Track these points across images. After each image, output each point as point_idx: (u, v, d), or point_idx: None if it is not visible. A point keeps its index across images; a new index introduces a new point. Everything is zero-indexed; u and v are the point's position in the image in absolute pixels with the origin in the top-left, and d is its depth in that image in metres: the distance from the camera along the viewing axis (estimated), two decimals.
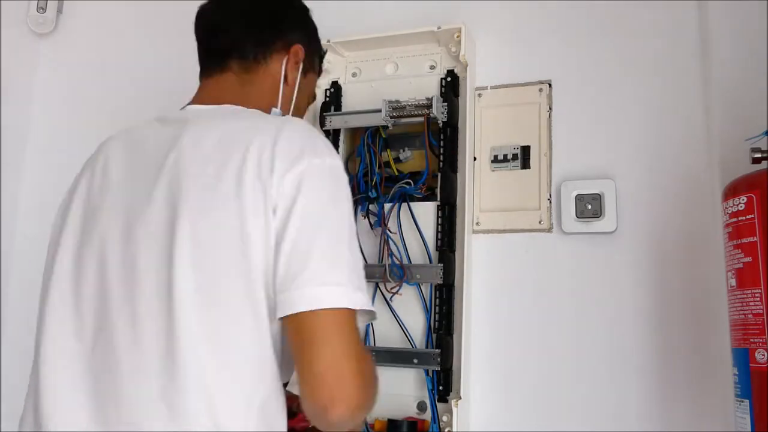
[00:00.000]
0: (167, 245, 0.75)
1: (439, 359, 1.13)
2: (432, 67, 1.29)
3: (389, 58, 1.32)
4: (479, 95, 1.27)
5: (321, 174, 0.77)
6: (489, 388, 1.17)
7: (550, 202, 1.20)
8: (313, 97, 1.08)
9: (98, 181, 0.86)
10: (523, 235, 1.21)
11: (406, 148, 1.28)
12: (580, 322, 1.15)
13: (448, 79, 1.25)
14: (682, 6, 1.17)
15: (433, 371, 1.15)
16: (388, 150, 1.27)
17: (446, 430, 1.11)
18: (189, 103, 0.92)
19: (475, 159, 1.24)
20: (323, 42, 1.30)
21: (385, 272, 1.18)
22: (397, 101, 1.22)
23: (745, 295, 0.90)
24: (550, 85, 1.23)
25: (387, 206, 1.23)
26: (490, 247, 1.22)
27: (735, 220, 0.92)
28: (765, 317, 0.87)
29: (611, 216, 1.15)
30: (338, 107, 1.32)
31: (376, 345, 1.20)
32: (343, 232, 0.77)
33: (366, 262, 1.25)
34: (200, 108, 0.89)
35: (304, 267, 0.72)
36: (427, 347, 1.17)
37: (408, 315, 1.20)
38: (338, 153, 1.29)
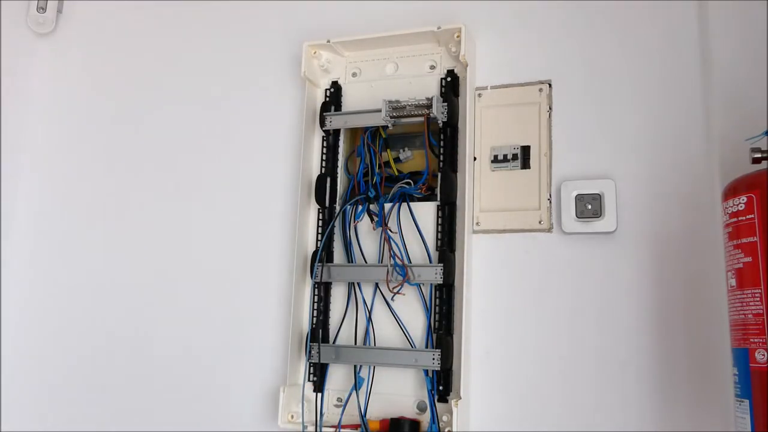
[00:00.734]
0: None
1: (439, 359, 1.13)
2: (432, 67, 1.29)
3: (389, 58, 1.32)
4: (479, 95, 1.27)
5: None
6: (489, 388, 1.17)
7: (550, 202, 1.20)
8: None
9: None
10: (523, 235, 1.21)
11: (406, 148, 1.28)
12: (580, 322, 1.15)
13: (448, 79, 1.25)
14: (682, 6, 1.17)
15: (433, 371, 1.15)
16: (388, 150, 1.27)
17: (446, 430, 1.11)
18: None
19: (475, 159, 1.24)
20: (323, 42, 1.31)
21: (387, 272, 1.18)
22: (397, 101, 1.22)
23: (744, 295, 0.90)
24: (550, 85, 1.23)
25: (387, 206, 1.23)
26: (490, 247, 1.22)
27: (735, 220, 0.92)
28: (765, 317, 0.87)
29: (611, 216, 1.15)
30: (338, 107, 1.32)
31: (377, 345, 1.20)
32: None
33: (366, 262, 1.25)
34: None
35: None
36: (426, 347, 1.17)
37: (408, 315, 1.20)
38: (338, 153, 1.30)
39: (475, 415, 1.16)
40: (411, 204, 1.22)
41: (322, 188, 1.28)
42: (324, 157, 1.30)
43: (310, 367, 1.23)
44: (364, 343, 1.21)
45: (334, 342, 1.24)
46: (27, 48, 1.64)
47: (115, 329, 1.44)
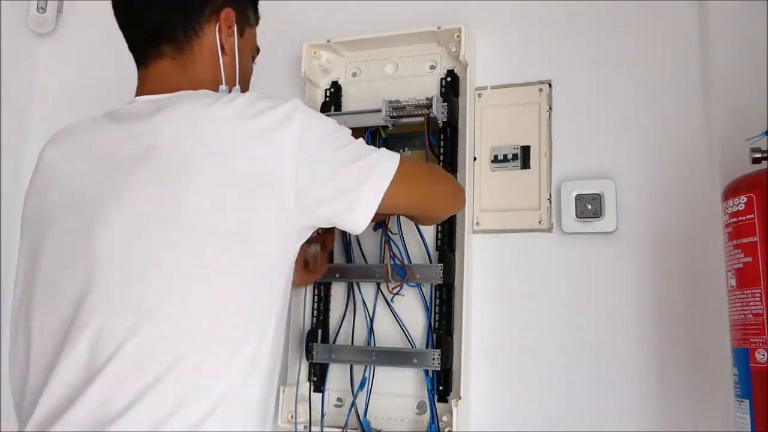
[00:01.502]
0: (171, 235, 0.76)
1: (439, 359, 1.13)
2: (432, 67, 1.29)
3: (389, 58, 1.32)
4: (479, 95, 1.27)
5: (302, 121, 0.82)
6: (489, 388, 1.17)
7: (550, 202, 1.20)
8: (257, 51, 1.05)
9: (47, 188, 0.88)
10: (523, 235, 1.21)
11: (406, 148, 1.28)
12: (580, 322, 1.15)
13: (448, 79, 1.25)
14: (682, 6, 1.17)
15: (433, 371, 1.15)
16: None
17: (446, 430, 1.11)
18: (136, 96, 0.90)
19: (475, 159, 1.24)
20: (323, 42, 1.31)
21: (387, 273, 1.18)
22: (397, 101, 1.21)
23: (745, 295, 0.90)
24: (550, 85, 1.23)
25: None
26: (490, 247, 1.22)
27: (735, 220, 0.92)
28: (765, 317, 0.87)
29: (611, 216, 1.15)
30: (338, 107, 1.32)
31: (376, 345, 1.20)
32: (338, 155, 0.85)
33: (366, 262, 1.25)
34: (153, 98, 0.87)
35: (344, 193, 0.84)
36: (427, 347, 1.17)
37: (408, 315, 1.20)
38: None
39: (475, 415, 1.16)
40: None
41: None
42: None
43: (310, 367, 1.23)
44: (367, 344, 1.21)
45: (333, 342, 1.24)
46: (27, 48, 1.64)
47: None
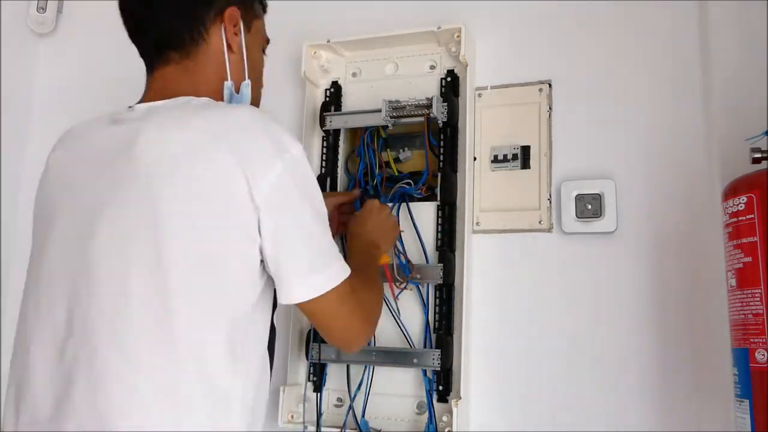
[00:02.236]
0: (149, 246, 0.76)
1: (438, 359, 1.13)
2: (432, 67, 1.29)
3: (389, 58, 1.32)
4: (479, 95, 1.27)
5: (294, 171, 0.81)
6: (489, 388, 1.17)
7: (550, 202, 1.20)
8: (267, 41, 1.03)
9: (53, 189, 0.88)
10: (523, 235, 1.21)
11: (406, 148, 1.28)
12: (580, 322, 1.15)
13: (448, 79, 1.25)
14: (682, 6, 1.17)
15: (432, 371, 1.15)
16: (388, 150, 1.27)
17: (446, 430, 1.11)
18: (139, 101, 0.91)
19: (475, 159, 1.24)
20: (323, 42, 1.31)
21: (393, 269, 1.18)
22: (397, 101, 1.21)
23: (744, 295, 0.90)
24: (550, 85, 1.23)
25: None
26: (490, 247, 1.22)
27: (735, 220, 0.92)
28: (765, 317, 0.87)
29: (611, 216, 1.15)
30: (338, 107, 1.32)
31: (376, 345, 1.20)
32: (309, 221, 0.83)
33: None
34: (151, 105, 0.87)
35: (291, 263, 0.81)
36: (426, 347, 1.17)
37: (408, 315, 1.20)
38: (338, 153, 1.30)
39: (475, 415, 1.16)
40: (411, 204, 1.22)
41: (322, 188, 1.27)
42: (324, 157, 1.30)
43: (309, 366, 1.23)
44: (367, 344, 1.21)
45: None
46: (27, 48, 1.64)
47: None
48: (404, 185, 1.22)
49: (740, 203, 0.92)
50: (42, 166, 0.93)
